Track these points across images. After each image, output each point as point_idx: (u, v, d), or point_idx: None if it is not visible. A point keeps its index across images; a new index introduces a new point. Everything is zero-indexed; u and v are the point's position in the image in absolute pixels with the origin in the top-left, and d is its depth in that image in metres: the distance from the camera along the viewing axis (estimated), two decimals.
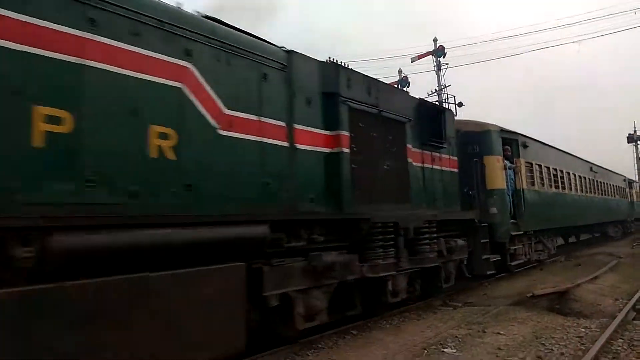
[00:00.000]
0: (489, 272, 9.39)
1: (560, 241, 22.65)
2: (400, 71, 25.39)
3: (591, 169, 19.07)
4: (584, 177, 17.71)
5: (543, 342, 5.72)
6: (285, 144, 5.66)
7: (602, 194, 20.51)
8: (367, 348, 5.67)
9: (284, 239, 5.02)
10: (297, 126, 5.83)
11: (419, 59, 24.83)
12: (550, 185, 13.59)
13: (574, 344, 5.64)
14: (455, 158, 9.44)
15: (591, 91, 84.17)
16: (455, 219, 8.59)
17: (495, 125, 10.95)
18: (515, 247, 10.97)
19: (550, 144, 14.89)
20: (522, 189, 11.20)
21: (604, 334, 5.84)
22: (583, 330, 6.33)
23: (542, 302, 7.91)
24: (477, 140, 10.48)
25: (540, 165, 12.80)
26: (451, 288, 8.78)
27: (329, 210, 6.06)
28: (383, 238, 6.39)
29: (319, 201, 6.00)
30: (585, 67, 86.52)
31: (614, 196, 23.49)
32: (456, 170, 9.38)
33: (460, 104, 21.90)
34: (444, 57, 24.16)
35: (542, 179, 12.86)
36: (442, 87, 23.78)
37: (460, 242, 8.39)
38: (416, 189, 7.96)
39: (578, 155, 17.93)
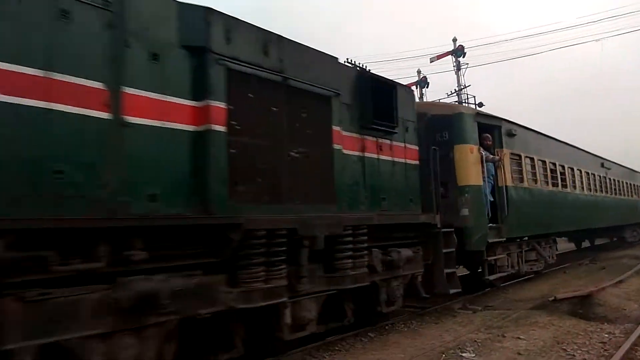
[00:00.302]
0: (452, 291, 7.39)
1: (571, 246, 20.60)
2: (419, 71, 24.66)
3: (602, 164, 16.71)
4: (593, 174, 15.35)
5: (564, 347, 5.56)
6: (105, 115, 3.85)
7: (616, 194, 18.13)
8: (384, 351, 5.57)
9: (54, 258, 3.19)
10: (129, 90, 4.02)
11: (437, 59, 24.10)
12: (547, 183, 11.38)
13: (596, 350, 5.47)
14: (415, 147, 7.51)
15: (618, 92, 79.89)
16: (403, 224, 6.61)
17: (469, 107, 8.98)
18: (497, 257, 8.93)
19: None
20: (506, 187, 9.12)
21: (629, 339, 5.67)
22: (606, 335, 6.13)
23: (564, 306, 7.69)
24: (446, 126, 8.49)
25: (532, 159, 10.63)
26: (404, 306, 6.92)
27: (188, 211, 4.26)
28: (267, 251, 4.52)
29: (170, 199, 4.19)
30: (611, 67, 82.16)
31: (632, 196, 21.05)
32: (416, 162, 7.46)
33: (480, 104, 20.59)
34: (463, 57, 23.52)
35: (534, 174, 10.67)
36: (462, 87, 23.10)
37: (407, 253, 6.42)
38: (349, 184, 6.10)
39: (587, 150, 15.67)
